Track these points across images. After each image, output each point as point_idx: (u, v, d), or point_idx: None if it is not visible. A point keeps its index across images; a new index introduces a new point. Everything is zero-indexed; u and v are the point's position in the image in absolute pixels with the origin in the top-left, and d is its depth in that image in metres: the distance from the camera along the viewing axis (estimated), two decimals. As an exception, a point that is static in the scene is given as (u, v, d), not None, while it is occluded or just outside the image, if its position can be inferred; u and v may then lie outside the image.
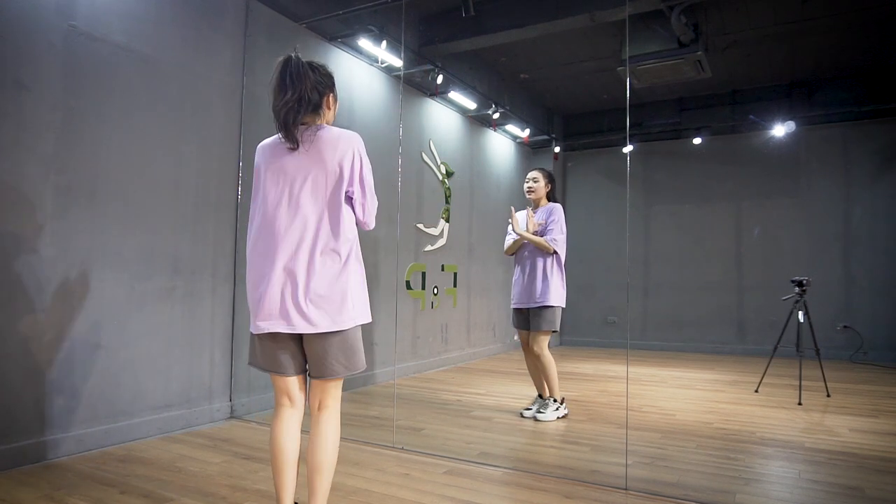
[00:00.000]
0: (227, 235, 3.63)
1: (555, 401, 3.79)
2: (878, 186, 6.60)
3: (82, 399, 2.87)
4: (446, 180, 6.04)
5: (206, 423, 3.47)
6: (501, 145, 7.10)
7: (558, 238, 3.72)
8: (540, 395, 3.86)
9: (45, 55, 2.75)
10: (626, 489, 2.48)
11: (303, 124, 1.86)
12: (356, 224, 1.91)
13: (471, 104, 6.21)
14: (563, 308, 3.78)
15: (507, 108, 6.52)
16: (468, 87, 5.97)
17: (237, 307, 3.68)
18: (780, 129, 6.66)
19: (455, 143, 6.24)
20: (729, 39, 5.57)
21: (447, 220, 6.03)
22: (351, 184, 1.85)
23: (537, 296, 3.70)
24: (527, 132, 7.15)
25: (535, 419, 3.72)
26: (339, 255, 1.83)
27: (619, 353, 7.18)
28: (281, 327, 1.79)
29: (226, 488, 2.42)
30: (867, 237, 6.59)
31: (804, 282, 4.58)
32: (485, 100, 6.25)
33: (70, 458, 2.78)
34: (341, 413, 1.93)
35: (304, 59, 1.85)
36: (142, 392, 3.15)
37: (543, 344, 3.73)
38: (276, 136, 1.91)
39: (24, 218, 2.67)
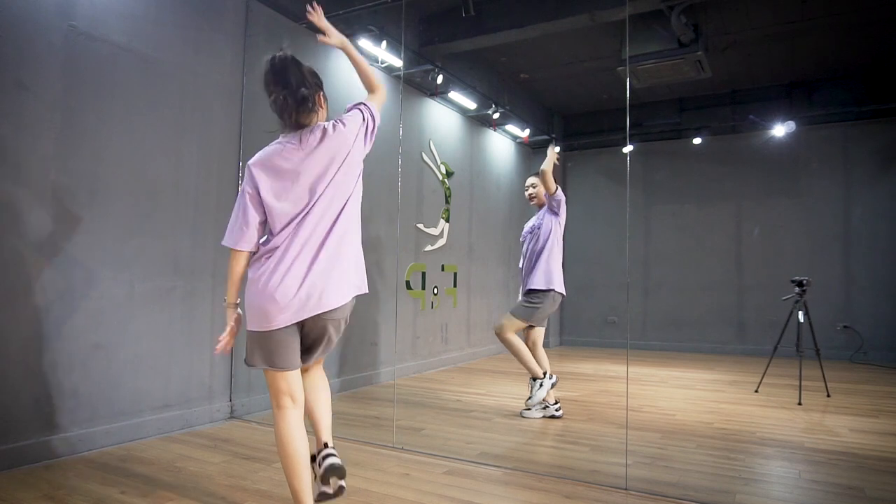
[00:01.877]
0: (227, 235, 3.63)
1: (534, 379, 3.72)
2: (878, 186, 6.59)
3: (82, 399, 2.87)
4: (446, 180, 6.04)
5: (205, 423, 3.47)
6: (501, 145, 7.10)
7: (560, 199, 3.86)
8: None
9: (45, 55, 2.74)
10: (626, 489, 2.48)
11: (305, 125, 1.89)
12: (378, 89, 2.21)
13: (471, 104, 6.20)
14: (526, 305, 3.78)
15: (507, 108, 6.52)
16: (468, 87, 5.97)
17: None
18: (780, 129, 6.65)
19: (455, 143, 6.24)
20: (729, 39, 5.57)
21: (447, 220, 6.03)
22: (367, 130, 2.10)
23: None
24: (527, 132, 7.14)
25: (522, 416, 3.76)
26: (351, 244, 1.96)
27: (619, 353, 7.17)
28: (314, 311, 1.87)
29: (226, 488, 2.42)
30: (867, 237, 6.59)
31: (804, 282, 4.58)
32: (485, 100, 6.25)
33: (70, 458, 2.78)
34: (339, 413, 2.00)
35: (291, 57, 1.89)
36: (142, 392, 3.15)
37: (503, 325, 3.77)
38: (271, 146, 1.92)
39: (24, 218, 2.67)
